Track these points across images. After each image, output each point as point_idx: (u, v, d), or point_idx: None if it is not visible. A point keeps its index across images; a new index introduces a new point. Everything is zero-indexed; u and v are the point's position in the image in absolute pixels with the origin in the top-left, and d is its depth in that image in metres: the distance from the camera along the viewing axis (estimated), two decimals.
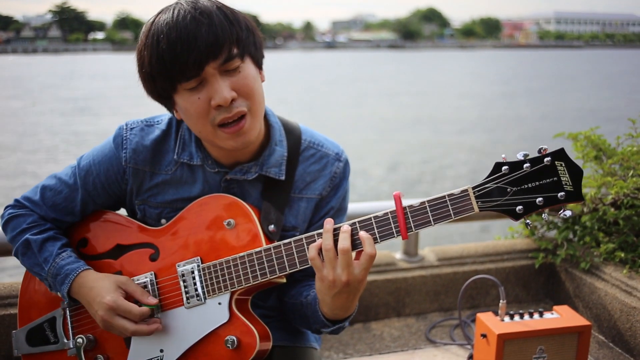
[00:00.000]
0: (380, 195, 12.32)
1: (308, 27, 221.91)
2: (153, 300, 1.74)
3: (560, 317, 2.57)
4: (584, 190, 3.26)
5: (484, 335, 2.54)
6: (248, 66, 1.67)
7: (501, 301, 2.56)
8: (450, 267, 3.37)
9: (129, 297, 1.74)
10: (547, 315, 2.59)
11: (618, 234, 3.19)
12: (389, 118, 24.17)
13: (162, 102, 1.75)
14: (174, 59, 1.57)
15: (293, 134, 1.91)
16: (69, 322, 1.86)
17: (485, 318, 2.57)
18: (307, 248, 1.62)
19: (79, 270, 1.77)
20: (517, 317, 2.56)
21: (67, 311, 1.86)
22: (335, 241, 1.56)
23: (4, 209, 1.92)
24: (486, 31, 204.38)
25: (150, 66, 1.62)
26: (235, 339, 1.66)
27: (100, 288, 1.72)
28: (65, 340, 1.85)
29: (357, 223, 1.59)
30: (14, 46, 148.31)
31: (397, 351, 2.95)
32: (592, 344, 2.95)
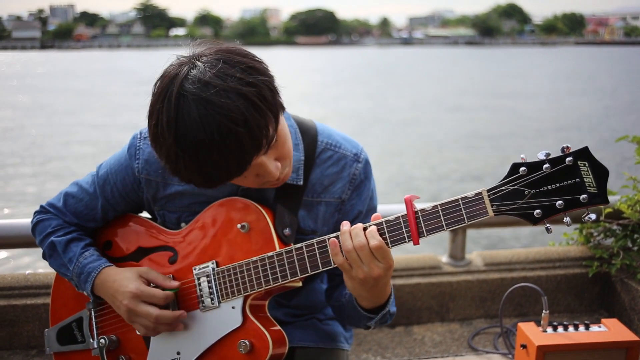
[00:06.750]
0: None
1: (384, 24, 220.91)
2: (175, 284, 1.75)
3: (607, 330, 2.44)
4: None
5: (524, 346, 2.43)
6: (280, 126, 1.56)
7: (544, 311, 2.44)
8: (498, 272, 3.25)
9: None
10: (593, 328, 2.45)
11: None
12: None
13: None
14: (214, 174, 1.50)
15: (309, 134, 1.85)
16: (94, 323, 1.89)
17: (527, 328, 2.47)
18: (319, 253, 1.60)
19: (101, 268, 1.80)
20: (560, 329, 2.44)
21: (92, 312, 1.90)
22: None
23: (33, 214, 1.98)
24: (569, 27, 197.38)
25: (185, 170, 1.51)
26: (248, 343, 1.65)
27: (122, 279, 1.74)
28: (91, 340, 1.89)
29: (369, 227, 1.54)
30: (100, 42, 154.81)
31: (436, 357, 2.88)
32: None
